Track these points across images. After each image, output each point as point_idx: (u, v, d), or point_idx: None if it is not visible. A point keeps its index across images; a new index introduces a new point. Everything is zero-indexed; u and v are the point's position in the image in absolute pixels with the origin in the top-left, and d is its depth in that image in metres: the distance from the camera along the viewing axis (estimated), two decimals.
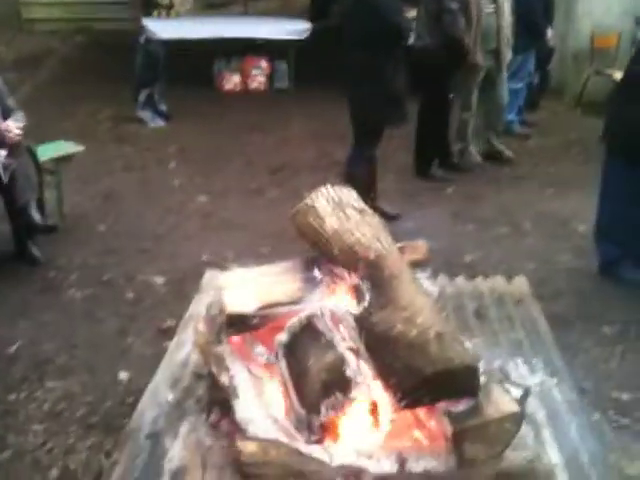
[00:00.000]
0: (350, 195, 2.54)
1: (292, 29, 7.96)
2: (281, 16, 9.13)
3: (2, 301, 3.58)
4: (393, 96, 4.33)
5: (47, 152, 4.41)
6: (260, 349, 2.43)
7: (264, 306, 2.49)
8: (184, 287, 3.71)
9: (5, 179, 3.71)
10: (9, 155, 3.75)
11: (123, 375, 3.00)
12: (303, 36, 7.84)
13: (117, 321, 3.45)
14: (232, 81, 8.44)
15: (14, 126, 3.78)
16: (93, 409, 2.80)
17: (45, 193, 4.31)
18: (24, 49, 10.60)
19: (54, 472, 2.48)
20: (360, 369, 2.09)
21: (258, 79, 8.51)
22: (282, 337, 2.35)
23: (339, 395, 2.06)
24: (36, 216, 3.79)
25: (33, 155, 4.00)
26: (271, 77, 8.51)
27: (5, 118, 3.83)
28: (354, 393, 2.05)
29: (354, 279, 2.30)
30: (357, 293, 2.27)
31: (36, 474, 2.47)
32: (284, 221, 4.30)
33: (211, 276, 3.19)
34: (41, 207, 3.95)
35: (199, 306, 2.78)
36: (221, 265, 3.76)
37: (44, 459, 2.54)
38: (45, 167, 4.30)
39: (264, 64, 8.50)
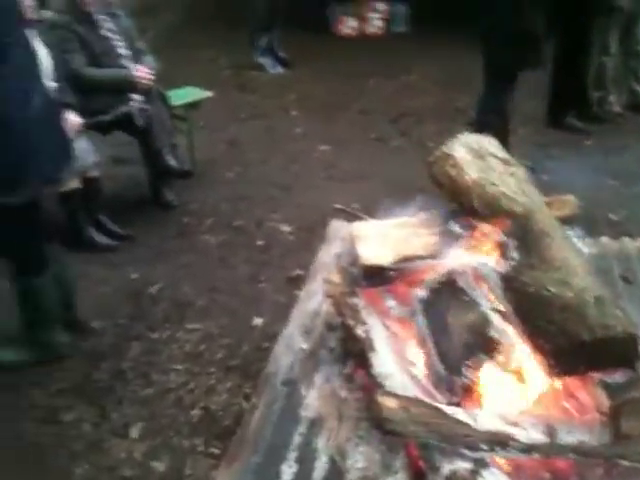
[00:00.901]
0: (491, 143, 2.40)
1: None
2: None
3: (141, 243, 3.73)
4: (531, 35, 4.04)
5: (178, 98, 4.47)
6: (395, 303, 2.40)
7: (401, 259, 2.44)
8: (311, 236, 3.72)
9: (141, 124, 3.81)
10: (144, 100, 3.84)
11: (257, 320, 3.08)
12: None
13: (249, 267, 3.52)
14: (349, 25, 8.28)
15: (146, 71, 3.85)
16: (231, 352, 2.88)
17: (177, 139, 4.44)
18: None
19: (196, 412, 2.57)
20: (505, 331, 2.02)
21: (376, 23, 8.29)
22: (420, 292, 2.30)
23: (482, 356, 1.99)
24: (171, 161, 3.89)
25: (165, 100, 4.08)
26: (389, 20, 8.26)
27: (136, 62, 3.91)
28: (498, 356, 1.98)
29: (498, 234, 2.20)
30: (502, 250, 2.17)
31: (179, 412, 2.57)
32: (410, 170, 4.26)
33: (337, 226, 3.16)
34: (175, 153, 4.04)
35: (327, 256, 2.78)
36: (351, 212, 3.77)
37: (186, 398, 2.63)
38: (176, 113, 4.40)
39: (382, 7, 8.25)
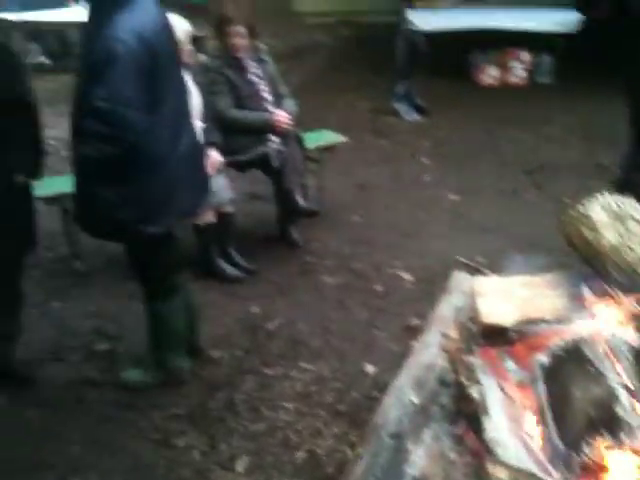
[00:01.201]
0: (632, 205, 2.26)
1: (559, 20, 7.45)
2: (547, 6, 8.60)
3: (265, 278, 3.85)
4: None
5: (313, 140, 4.62)
6: (514, 367, 2.29)
7: (524, 320, 2.35)
8: (431, 286, 3.67)
9: (276, 164, 3.97)
10: (281, 142, 4.00)
11: (369, 368, 3.05)
12: (571, 28, 7.29)
13: (365, 312, 3.52)
14: (490, 74, 8.19)
15: (286, 114, 4.01)
16: (340, 397, 2.88)
17: (307, 180, 4.57)
18: (292, 41, 11.37)
19: (301, 453, 2.58)
20: (633, 409, 1.86)
21: (518, 72, 8.16)
22: (542, 358, 2.19)
23: (605, 435, 1.85)
24: (300, 201, 3.99)
25: (301, 143, 4.22)
26: (533, 71, 8.09)
27: (278, 105, 4.09)
28: (623, 435, 1.83)
29: (633, 305, 2.05)
30: (637, 323, 2.02)
31: (285, 452, 2.59)
32: (543, 227, 4.09)
33: (460, 278, 3.09)
34: (305, 193, 4.15)
35: (446, 309, 2.71)
36: (474, 266, 3.68)
37: (293, 438, 2.66)
38: (310, 155, 4.54)
39: (526, 57, 8.11)
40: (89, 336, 3.27)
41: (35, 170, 2.75)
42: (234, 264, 3.89)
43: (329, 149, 4.76)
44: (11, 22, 9.51)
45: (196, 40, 7.08)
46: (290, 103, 4.15)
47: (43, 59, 10.10)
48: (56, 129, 4.76)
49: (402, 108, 7.05)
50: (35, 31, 9.83)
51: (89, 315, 3.45)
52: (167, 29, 2.56)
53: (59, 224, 3.88)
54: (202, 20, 13.14)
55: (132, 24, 2.32)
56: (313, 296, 3.68)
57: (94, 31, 2.37)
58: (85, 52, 2.46)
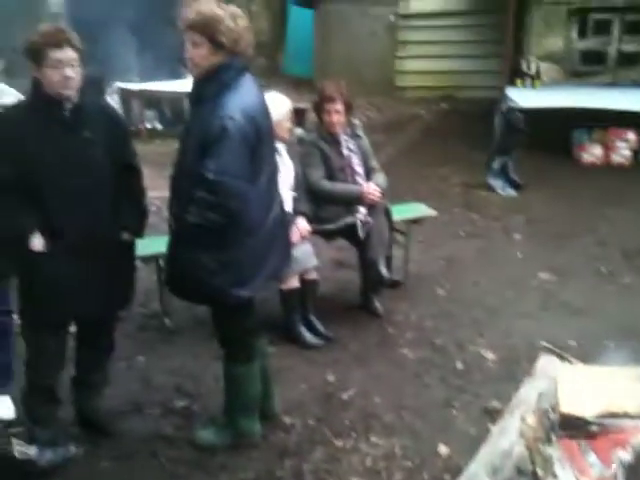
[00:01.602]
0: None
1: None
2: None
3: (343, 347, 3.85)
4: None
5: (401, 213, 4.66)
6: (595, 460, 2.18)
7: (606, 413, 2.24)
8: (515, 367, 3.55)
9: (362, 235, 4.03)
10: (368, 213, 4.06)
11: (443, 449, 2.95)
12: None
13: (444, 390, 3.43)
14: (592, 153, 8.03)
15: (375, 188, 4.08)
16: (410, 476, 2.79)
17: (393, 251, 4.59)
18: (392, 114, 11.63)
19: None
20: None
21: (623, 152, 7.94)
22: (624, 455, 2.07)
23: None
24: (384, 271, 4.01)
25: (388, 214, 4.27)
26: (638, 151, 7.85)
27: (369, 179, 4.18)
28: None
29: None
30: None
31: None
32: (639, 314, 3.90)
33: (546, 362, 2.97)
34: (389, 264, 4.17)
35: (529, 393, 2.61)
36: (559, 353, 3.52)
37: None
38: (397, 227, 4.57)
39: (631, 137, 7.89)
40: (169, 392, 3.37)
41: (139, 229, 2.94)
42: (314, 331, 3.92)
43: (417, 221, 4.78)
44: (131, 91, 10.35)
45: (298, 112, 7.44)
46: (380, 177, 4.22)
47: (157, 124, 10.85)
48: (160, 190, 5.05)
49: (497, 183, 7.00)
50: (152, 99, 10.60)
51: (171, 371, 3.56)
52: (265, 106, 2.73)
53: (153, 282, 4.08)
54: (307, 92, 13.78)
55: (239, 103, 2.52)
56: (390, 368, 3.63)
57: (203, 109, 2.57)
58: (191, 126, 2.65)
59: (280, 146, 3.80)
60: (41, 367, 2.81)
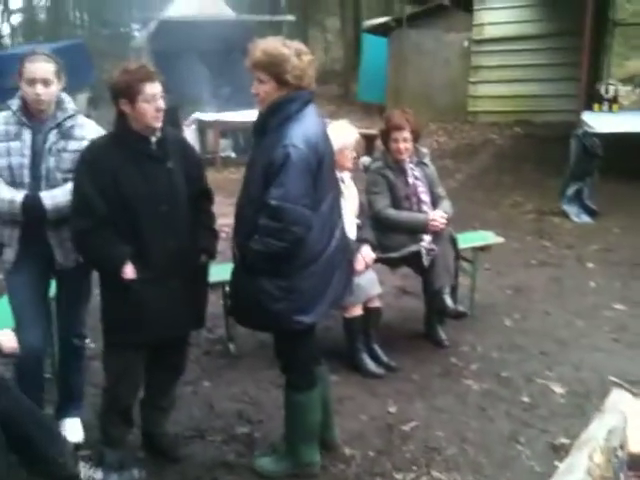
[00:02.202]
0: None
1: None
2: None
3: (405, 376, 3.80)
4: None
5: (468, 241, 4.59)
6: None
7: None
8: (584, 402, 3.43)
9: (426, 263, 3.99)
10: (433, 241, 4.03)
11: None
12: None
13: (509, 424, 3.33)
14: None
15: (441, 216, 4.05)
16: None
17: (459, 279, 4.53)
18: (464, 139, 11.54)
19: None
20: None
21: None
22: None
23: None
24: (448, 301, 3.95)
25: (454, 242, 4.21)
26: None
27: (435, 206, 4.15)
28: None
29: None
30: None
31: None
32: None
33: (617, 398, 2.85)
34: (454, 293, 4.10)
35: (598, 430, 2.50)
36: (631, 389, 3.36)
37: None
38: (463, 255, 4.51)
39: None
40: (231, 418, 3.41)
41: (214, 251, 3.04)
42: (377, 360, 3.90)
43: (485, 249, 4.69)
44: (208, 122, 10.72)
45: (368, 138, 7.49)
46: (446, 204, 4.18)
47: (230, 153, 11.18)
48: (229, 217, 5.17)
49: (571, 210, 6.80)
50: (227, 129, 10.95)
51: (234, 397, 3.62)
52: (327, 135, 2.79)
53: (219, 307, 4.18)
54: (379, 118, 13.85)
55: (302, 132, 2.59)
56: (454, 401, 3.56)
57: (267, 139, 2.65)
58: (255, 156, 2.74)
59: (344, 174, 3.85)
60: (121, 388, 2.89)
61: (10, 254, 2.99)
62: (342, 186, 3.81)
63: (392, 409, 3.48)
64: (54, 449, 2.58)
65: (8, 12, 22.61)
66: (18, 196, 2.87)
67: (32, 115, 2.94)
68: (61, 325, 3.22)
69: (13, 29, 23.55)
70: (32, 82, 2.85)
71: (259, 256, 2.63)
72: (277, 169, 2.54)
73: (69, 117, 3.01)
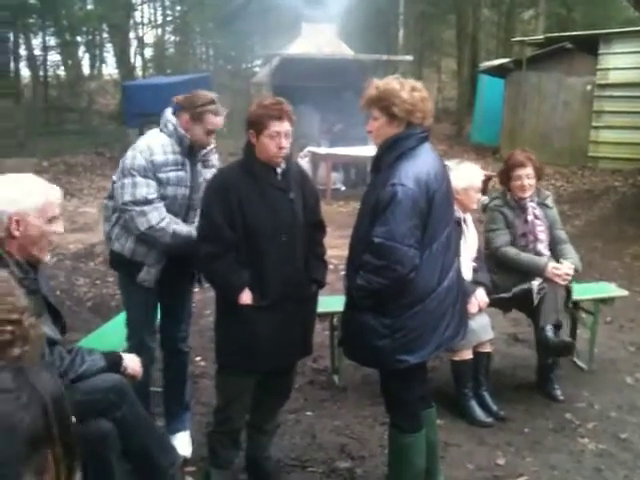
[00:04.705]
0: None
1: None
2: None
3: (515, 428, 3.61)
4: None
5: (588, 292, 4.38)
6: None
7: None
8: None
9: (536, 302, 3.80)
10: (544, 281, 3.82)
11: None
12: None
13: None
14: None
15: (569, 268, 3.78)
16: None
17: (578, 330, 4.30)
18: (583, 185, 11.09)
19: None
20: None
21: None
22: None
23: None
24: (550, 333, 3.68)
25: (569, 291, 3.97)
26: None
27: (552, 248, 3.95)
28: None
29: None
30: None
31: None
32: None
33: None
34: (558, 331, 3.74)
35: None
36: None
37: None
38: (583, 306, 4.28)
39: None
40: (333, 451, 3.37)
41: (324, 281, 3.05)
42: (485, 407, 3.74)
43: (607, 301, 4.43)
44: (320, 154, 10.96)
45: (483, 179, 7.32)
46: (575, 256, 3.95)
47: (341, 186, 11.35)
48: (336, 250, 5.22)
49: None
50: (338, 162, 11.15)
51: (337, 430, 3.57)
52: (443, 174, 2.74)
53: (325, 338, 4.18)
54: (491, 160, 13.61)
55: (413, 171, 2.58)
56: (567, 458, 3.34)
57: (380, 176, 2.67)
58: (368, 193, 2.75)
59: (467, 215, 3.78)
60: (233, 411, 2.93)
61: (152, 273, 3.13)
62: (463, 226, 3.74)
63: (501, 461, 3.31)
64: (167, 460, 2.64)
65: (142, 46, 24.25)
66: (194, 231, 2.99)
67: (191, 147, 3.07)
68: (167, 332, 3.34)
69: (145, 61, 25.19)
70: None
71: (362, 292, 2.62)
72: (384, 207, 2.54)
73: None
